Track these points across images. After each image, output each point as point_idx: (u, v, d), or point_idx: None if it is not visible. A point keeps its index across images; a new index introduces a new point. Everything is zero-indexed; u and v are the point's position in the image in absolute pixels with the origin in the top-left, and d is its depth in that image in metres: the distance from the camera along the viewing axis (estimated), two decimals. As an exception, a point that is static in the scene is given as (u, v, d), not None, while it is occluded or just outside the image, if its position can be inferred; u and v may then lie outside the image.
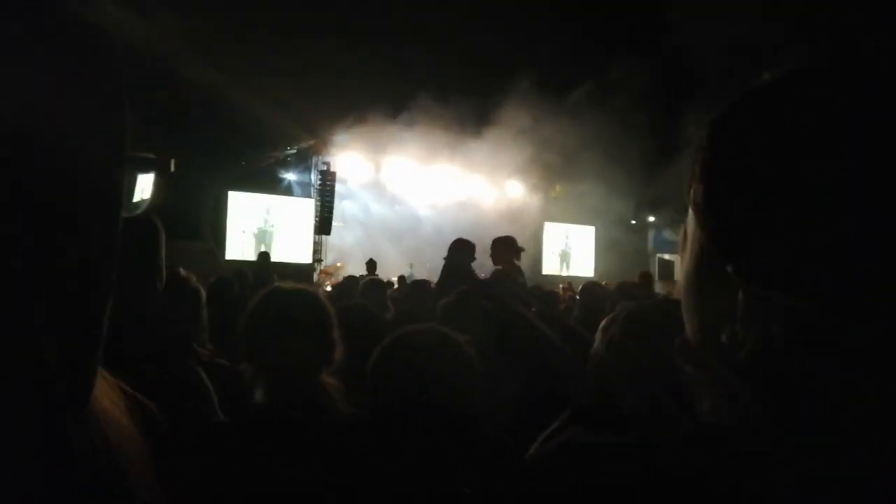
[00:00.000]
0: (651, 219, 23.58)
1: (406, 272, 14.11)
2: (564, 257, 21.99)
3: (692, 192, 0.60)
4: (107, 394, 0.63)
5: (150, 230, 1.38)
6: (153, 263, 1.36)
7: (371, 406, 1.52)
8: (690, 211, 0.62)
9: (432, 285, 5.49)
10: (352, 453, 1.41)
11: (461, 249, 5.12)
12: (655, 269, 18.17)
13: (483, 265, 5.59)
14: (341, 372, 1.73)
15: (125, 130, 0.48)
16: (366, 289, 5.27)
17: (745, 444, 0.56)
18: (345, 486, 1.36)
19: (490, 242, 5.43)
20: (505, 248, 5.16)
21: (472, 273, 5.12)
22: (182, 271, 2.67)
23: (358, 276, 10.30)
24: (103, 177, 0.46)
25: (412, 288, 5.73)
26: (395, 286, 10.05)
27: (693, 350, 0.64)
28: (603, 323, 1.93)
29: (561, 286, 12.62)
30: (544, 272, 20.04)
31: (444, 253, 5.22)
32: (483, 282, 5.14)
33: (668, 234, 23.94)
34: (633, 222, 23.27)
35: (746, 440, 0.57)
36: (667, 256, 24.15)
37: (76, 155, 0.40)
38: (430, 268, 17.36)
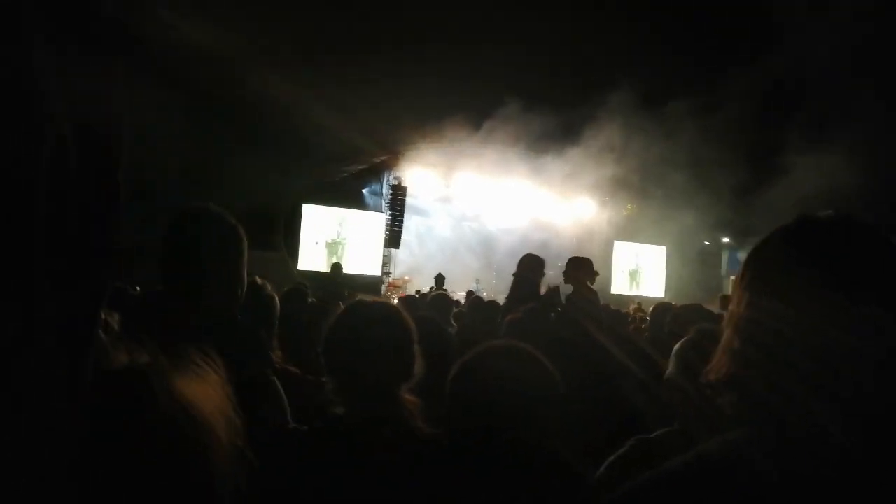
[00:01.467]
0: (725, 240, 22.85)
1: (472, 287, 14.10)
2: (634, 276, 21.54)
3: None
4: (208, 393, 0.65)
5: (235, 238, 1.42)
6: (237, 271, 1.41)
7: (450, 423, 1.49)
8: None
9: (498, 301, 5.45)
10: (429, 471, 1.40)
11: (531, 265, 5.07)
12: (729, 291, 17.53)
13: (551, 282, 5.52)
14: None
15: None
16: (433, 302, 5.29)
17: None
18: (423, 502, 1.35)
19: (558, 259, 5.37)
20: (580, 269, 5.07)
21: (539, 289, 5.06)
22: (258, 279, 2.75)
23: (426, 290, 10.35)
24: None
25: (469, 309, 5.73)
26: (461, 303, 10.05)
27: None
28: (677, 346, 1.87)
29: (632, 307, 12.36)
30: (613, 291, 19.67)
31: (512, 269, 5.18)
32: (552, 298, 5.08)
33: (742, 254, 23.12)
34: (707, 243, 22.60)
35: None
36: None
37: None
38: (496, 284, 17.34)
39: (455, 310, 6.63)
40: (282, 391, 1.73)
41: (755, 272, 0.90)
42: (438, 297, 5.82)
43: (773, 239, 0.93)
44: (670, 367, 1.84)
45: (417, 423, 1.59)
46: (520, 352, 1.54)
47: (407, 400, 1.63)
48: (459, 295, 12.68)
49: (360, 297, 1.77)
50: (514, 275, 5.12)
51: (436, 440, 1.51)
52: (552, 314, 4.57)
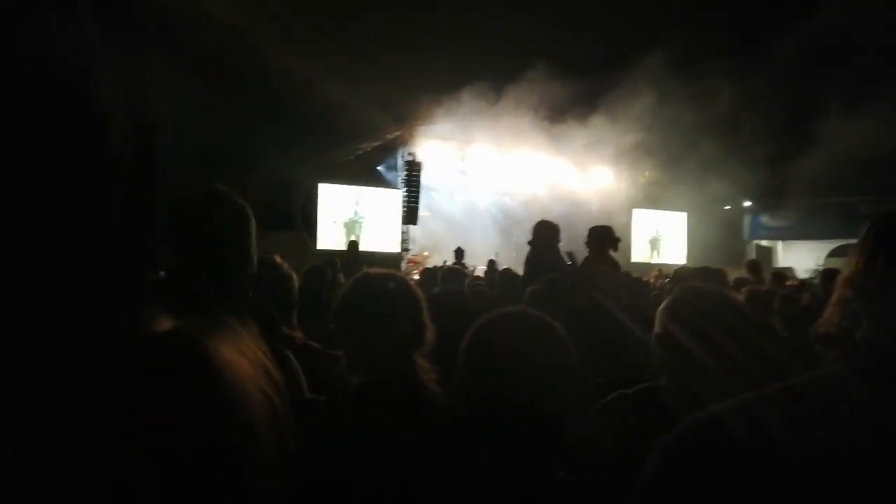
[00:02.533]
0: (747, 204, 22.56)
1: (491, 259, 14.08)
2: (654, 244, 21.38)
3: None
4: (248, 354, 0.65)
5: (244, 218, 1.43)
6: (244, 248, 1.42)
7: (464, 391, 1.50)
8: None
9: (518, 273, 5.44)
10: (445, 440, 1.41)
11: (545, 232, 5.03)
12: (753, 256, 17.40)
13: (569, 249, 5.47)
14: (430, 357, 1.75)
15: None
16: (446, 277, 5.30)
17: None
18: (438, 469, 1.37)
19: (577, 229, 5.32)
20: (601, 237, 5.01)
21: (559, 258, 5.02)
22: (275, 258, 2.77)
23: (443, 264, 10.37)
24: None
25: (501, 284, 5.73)
26: (482, 274, 10.05)
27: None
28: (662, 305, 1.88)
29: (652, 274, 12.30)
30: (633, 259, 19.57)
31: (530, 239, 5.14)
32: (570, 267, 5.04)
33: (765, 219, 22.84)
34: (728, 208, 22.34)
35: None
36: (764, 243, 23.06)
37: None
38: (515, 256, 17.31)
39: (475, 283, 6.64)
40: (296, 365, 1.76)
41: (887, 244, 0.90)
42: (450, 270, 5.86)
43: None
44: (657, 325, 1.85)
45: (432, 387, 1.61)
46: (532, 318, 1.54)
47: (422, 365, 1.65)
48: (481, 269, 12.68)
49: (368, 269, 1.79)
50: (528, 243, 5.09)
51: (449, 404, 1.53)
52: (569, 283, 4.54)
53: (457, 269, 6.37)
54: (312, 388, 2.00)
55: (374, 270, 1.81)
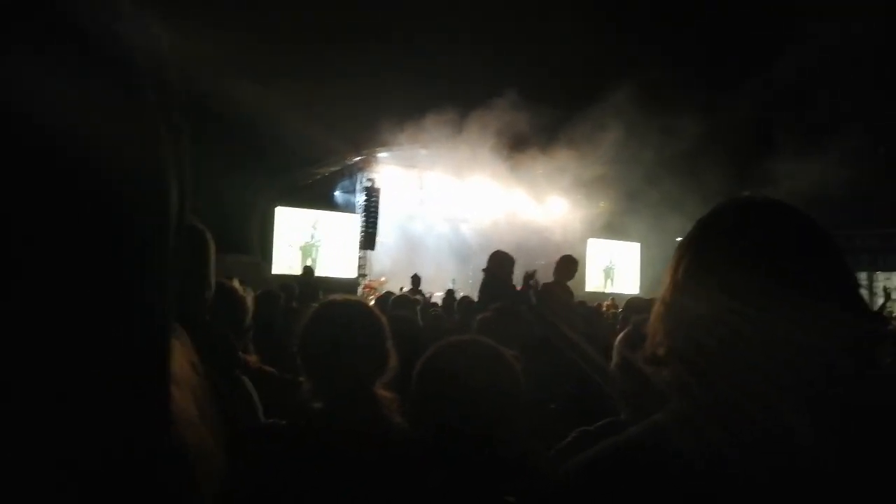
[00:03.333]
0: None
1: (449, 286, 14.12)
2: (608, 273, 21.73)
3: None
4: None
5: (199, 241, 1.42)
6: (203, 274, 1.41)
7: (415, 418, 1.51)
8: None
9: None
10: (401, 467, 1.41)
11: (500, 261, 5.12)
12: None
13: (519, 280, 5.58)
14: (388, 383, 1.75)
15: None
16: (396, 304, 5.19)
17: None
18: (392, 494, 1.37)
19: (533, 257, 5.43)
20: (565, 267, 5.19)
21: (511, 286, 5.11)
22: (230, 281, 2.74)
23: (403, 290, 10.36)
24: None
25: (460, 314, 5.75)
26: (440, 301, 10.06)
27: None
28: (617, 339, 1.92)
29: (605, 303, 12.48)
30: (588, 289, 19.83)
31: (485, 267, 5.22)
32: (524, 295, 5.13)
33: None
34: (679, 239, 22.85)
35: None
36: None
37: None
38: (472, 283, 17.37)
39: (431, 311, 6.65)
40: (250, 389, 1.73)
41: (695, 258, 0.88)
42: (400, 298, 5.89)
43: (714, 223, 0.91)
44: (613, 360, 1.89)
45: (393, 418, 1.61)
46: (482, 347, 1.56)
47: (382, 395, 1.65)
48: (438, 295, 12.67)
49: (332, 296, 1.78)
50: (483, 270, 5.17)
51: (410, 436, 1.53)
52: (525, 309, 4.61)
53: (406, 296, 6.39)
54: (267, 413, 1.97)
55: (337, 297, 1.81)
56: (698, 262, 0.87)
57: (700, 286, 0.84)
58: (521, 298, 5.01)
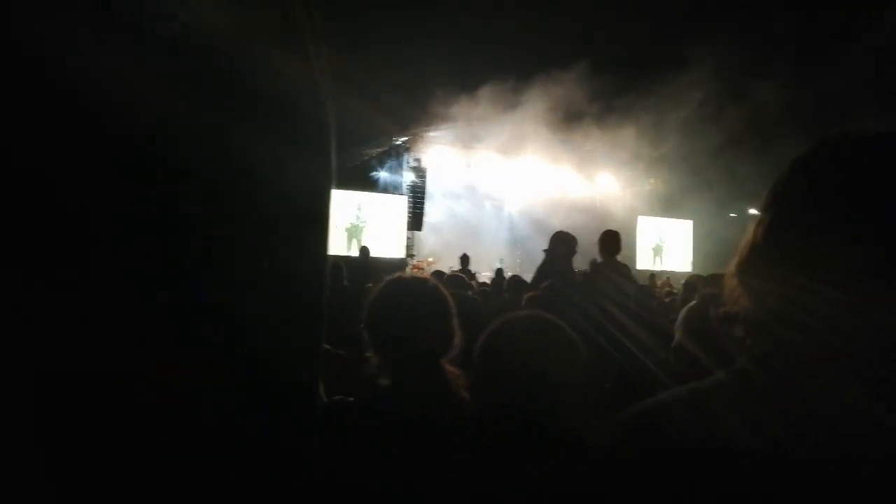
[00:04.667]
0: (752, 211, 22.51)
1: (497, 266, 14.12)
2: (658, 251, 21.35)
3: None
4: None
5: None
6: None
7: (478, 396, 1.52)
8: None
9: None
10: (468, 443, 1.43)
11: (562, 242, 5.06)
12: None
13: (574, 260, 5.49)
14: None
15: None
16: (449, 283, 5.23)
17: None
18: (458, 475, 1.38)
19: (582, 235, 5.35)
20: (606, 244, 5.06)
21: (568, 267, 5.04)
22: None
23: (449, 270, 10.41)
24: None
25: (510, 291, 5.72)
26: (488, 281, 10.06)
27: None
28: (682, 314, 1.88)
29: (660, 282, 12.26)
30: (639, 267, 19.54)
31: (536, 247, 5.18)
32: (576, 276, 5.07)
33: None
34: (733, 215, 22.31)
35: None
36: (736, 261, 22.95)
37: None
38: (520, 263, 17.30)
39: (480, 289, 6.66)
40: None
41: (778, 209, 0.77)
42: (453, 276, 5.90)
43: (803, 167, 0.77)
44: (676, 335, 1.85)
45: (460, 394, 1.63)
46: (542, 321, 1.56)
47: (450, 371, 1.67)
48: (486, 275, 12.66)
49: (398, 274, 1.81)
50: (544, 250, 5.12)
51: (475, 412, 1.54)
52: (577, 289, 4.56)
53: (460, 276, 6.40)
54: (327, 391, 2.00)
55: (404, 275, 1.84)
56: (780, 215, 0.76)
57: (778, 246, 0.74)
58: (576, 280, 4.96)
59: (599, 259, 4.95)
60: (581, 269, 5.20)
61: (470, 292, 5.33)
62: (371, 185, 18.30)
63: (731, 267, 0.82)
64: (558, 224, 11.50)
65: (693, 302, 1.92)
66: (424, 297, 1.72)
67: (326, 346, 2.49)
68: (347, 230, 17.12)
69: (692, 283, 4.94)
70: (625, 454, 0.77)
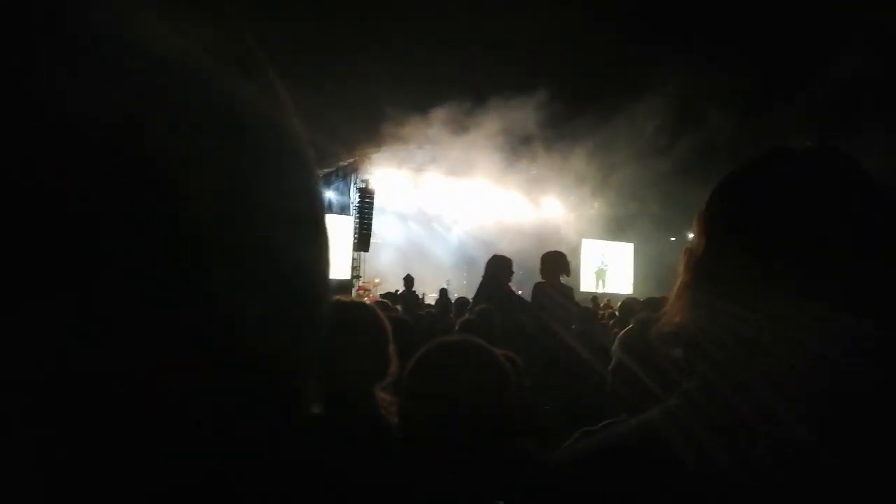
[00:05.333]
0: (691, 235, 23.16)
1: (444, 286, 14.14)
2: (601, 275, 21.76)
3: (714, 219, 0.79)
4: None
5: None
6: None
7: (405, 419, 1.51)
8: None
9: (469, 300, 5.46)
10: (395, 467, 1.41)
11: (498, 266, 5.09)
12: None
13: (520, 282, 5.55)
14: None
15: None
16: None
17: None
18: (377, 495, 1.36)
19: (525, 257, 5.40)
20: (551, 264, 5.08)
21: (507, 289, 5.08)
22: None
23: (395, 291, 10.34)
24: None
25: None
26: (433, 303, 10.05)
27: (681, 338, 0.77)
28: (619, 337, 1.92)
29: (602, 303, 12.46)
30: (582, 289, 19.86)
31: (482, 269, 5.19)
32: (517, 298, 5.12)
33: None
34: (673, 239, 22.95)
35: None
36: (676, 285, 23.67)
37: None
38: (466, 284, 17.39)
39: (425, 311, 6.65)
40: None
41: (712, 226, 0.78)
42: (381, 303, 5.87)
43: (734, 184, 0.77)
44: (614, 358, 1.88)
45: (392, 420, 1.61)
46: (472, 345, 1.56)
47: (381, 398, 1.65)
48: (432, 296, 12.66)
49: (337, 297, 1.78)
50: (482, 276, 5.13)
51: (402, 435, 1.53)
52: (516, 311, 4.60)
53: (383, 303, 6.41)
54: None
55: (341, 300, 1.80)
56: (700, 240, 0.79)
57: (700, 269, 0.76)
58: (517, 302, 5.00)
59: (542, 280, 4.99)
60: (523, 291, 5.24)
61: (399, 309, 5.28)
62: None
63: (680, 281, 0.83)
64: (505, 246, 11.66)
65: (630, 325, 1.96)
66: (360, 324, 1.70)
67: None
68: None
69: (629, 305, 5.05)
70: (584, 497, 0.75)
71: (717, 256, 0.75)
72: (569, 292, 5.17)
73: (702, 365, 0.73)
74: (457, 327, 3.53)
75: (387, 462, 1.43)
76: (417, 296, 10.32)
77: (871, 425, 0.63)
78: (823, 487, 0.62)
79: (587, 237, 21.35)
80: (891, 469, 0.62)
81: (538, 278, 5.08)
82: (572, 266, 5.26)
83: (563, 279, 5.12)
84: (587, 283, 20.95)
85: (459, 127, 16.54)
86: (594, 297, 13.60)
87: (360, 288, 16.55)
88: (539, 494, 0.83)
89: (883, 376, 0.63)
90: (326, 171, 18.30)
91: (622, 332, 2.03)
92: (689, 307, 0.77)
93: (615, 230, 21.23)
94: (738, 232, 0.73)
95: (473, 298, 5.13)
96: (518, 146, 17.41)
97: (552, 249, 5.26)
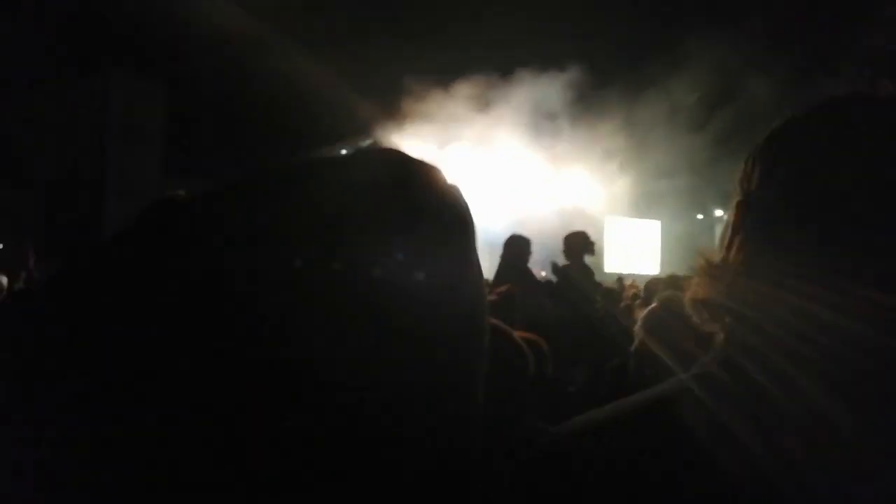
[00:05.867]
0: (718, 213, 22.86)
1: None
2: (626, 253, 21.53)
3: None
4: None
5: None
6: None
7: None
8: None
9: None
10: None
11: (516, 246, 5.05)
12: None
13: (543, 263, 5.48)
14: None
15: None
16: None
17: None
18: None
19: (551, 235, 5.35)
20: (575, 246, 5.03)
21: (527, 270, 5.04)
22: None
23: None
24: None
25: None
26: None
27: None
28: (640, 318, 1.88)
29: (627, 283, 12.35)
30: (606, 269, 19.68)
31: (501, 248, 5.15)
32: (537, 280, 5.07)
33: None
34: (700, 217, 22.62)
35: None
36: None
37: None
38: (489, 261, 17.35)
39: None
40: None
41: (753, 186, 0.69)
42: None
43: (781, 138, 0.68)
44: (636, 339, 1.85)
45: None
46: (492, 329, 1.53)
47: None
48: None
49: None
50: (500, 257, 5.09)
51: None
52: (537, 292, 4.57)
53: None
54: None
55: None
56: (745, 216, 0.70)
57: (751, 232, 0.68)
58: (536, 283, 4.96)
59: (565, 262, 4.94)
60: (546, 272, 5.20)
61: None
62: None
63: (704, 265, 0.77)
64: (528, 223, 11.57)
65: (652, 305, 1.91)
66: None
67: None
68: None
69: (652, 286, 4.98)
70: (595, 463, 0.71)
71: (785, 207, 0.64)
72: (591, 274, 5.12)
73: (746, 336, 0.65)
74: None
75: None
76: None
77: None
78: (851, 468, 0.58)
79: (613, 214, 21.12)
80: None
81: (561, 258, 5.03)
82: (597, 246, 5.21)
83: (588, 259, 5.08)
84: (613, 262, 20.77)
85: (482, 102, 16.39)
86: (619, 278, 13.49)
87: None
88: (547, 462, 0.79)
89: None
90: (353, 146, 18.30)
91: (644, 312, 1.98)
92: (743, 270, 0.68)
93: (642, 208, 20.97)
94: (810, 177, 0.62)
95: (493, 280, 5.08)
96: (542, 122, 17.21)
97: (574, 230, 5.21)
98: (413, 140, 17.92)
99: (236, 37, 12.47)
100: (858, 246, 0.58)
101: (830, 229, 0.59)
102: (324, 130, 16.00)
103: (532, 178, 19.30)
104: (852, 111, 0.64)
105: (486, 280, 5.71)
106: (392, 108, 16.45)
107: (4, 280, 5.39)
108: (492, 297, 3.62)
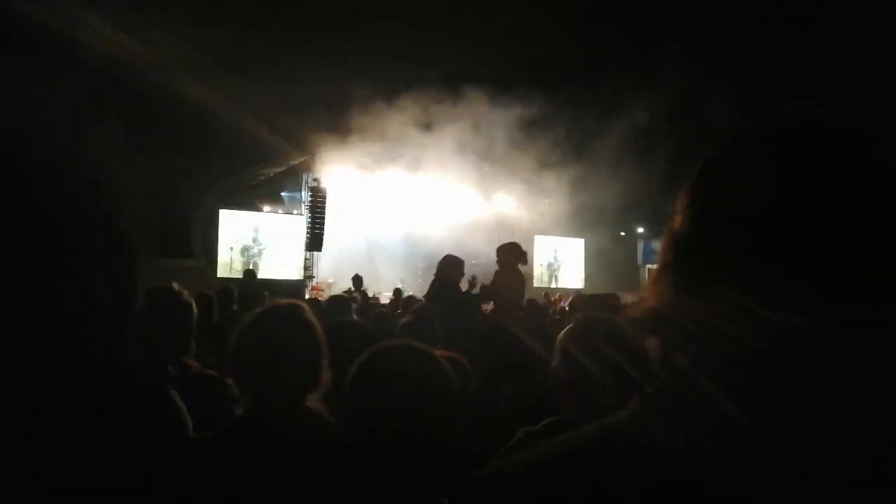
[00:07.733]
0: (640, 230, 23.66)
1: (399, 286, 14.11)
2: (552, 270, 22.04)
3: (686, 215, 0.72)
4: None
5: (120, 246, 1.32)
6: (128, 281, 1.32)
7: (349, 423, 1.51)
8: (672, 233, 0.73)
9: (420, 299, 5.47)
10: (327, 471, 1.41)
11: (449, 266, 5.14)
12: (645, 280, 18.22)
13: (472, 278, 5.59)
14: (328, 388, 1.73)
15: None
16: (328, 306, 4.94)
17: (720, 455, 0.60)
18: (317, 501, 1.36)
19: (480, 255, 5.46)
20: (508, 255, 5.16)
21: (457, 290, 5.13)
22: (174, 286, 2.69)
23: (347, 291, 10.27)
24: None
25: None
26: (387, 301, 10.03)
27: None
28: (559, 337, 1.93)
29: (554, 298, 12.63)
30: (535, 285, 20.05)
31: (435, 268, 5.23)
32: (471, 296, 5.16)
33: (656, 244, 24.02)
34: (623, 234, 23.35)
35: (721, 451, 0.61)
36: (656, 267, 24.23)
37: None
38: (422, 282, 17.36)
39: (377, 310, 6.63)
40: (178, 403, 1.67)
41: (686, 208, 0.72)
42: (332, 299, 5.82)
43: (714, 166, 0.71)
44: (554, 359, 1.89)
45: (315, 422, 1.60)
46: (410, 349, 1.58)
47: (311, 408, 1.63)
48: (387, 295, 12.59)
49: (272, 303, 1.75)
50: (434, 275, 5.17)
51: (333, 438, 1.53)
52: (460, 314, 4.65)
53: (339, 297, 6.36)
54: (207, 418, 1.93)
55: (279, 303, 1.76)
56: (680, 227, 0.72)
57: (696, 241, 0.70)
58: (468, 300, 5.05)
59: (499, 270, 5.07)
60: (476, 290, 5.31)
61: (353, 308, 5.18)
62: (270, 205, 17.91)
63: (655, 274, 0.77)
64: (457, 245, 11.69)
65: (570, 325, 1.96)
66: (292, 334, 1.66)
67: (211, 372, 2.41)
68: (243, 251, 16.61)
69: (577, 301, 5.14)
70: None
71: (700, 233, 0.69)
72: (523, 280, 5.25)
73: (677, 358, 0.67)
74: (397, 331, 3.53)
75: (322, 466, 1.42)
76: (367, 295, 10.26)
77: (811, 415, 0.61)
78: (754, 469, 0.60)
79: (539, 233, 21.56)
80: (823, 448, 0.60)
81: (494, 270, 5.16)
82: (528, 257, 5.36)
83: (521, 268, 5.23)
84: (539, 279, 21.18)
85: (412, 124, 16.48)
86: (546, 293, 13.77)
87: (313, 288, 16.38)
88: None
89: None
90: (278, 170, 18.03)
91: (562, 333, 2.03)
92: (666, 291, 0.71)
93: (566, 226, 21.47)
94: (725, 204, 0.66)
95: (425, 297, 5.15)
96: (471, 142, 17.42)
97: (508, 241, 5.37)
98: (341, 163, 17.83)
99: (165, 59, 12.19)
100: (751, 271, 0.62)
101: (733, 259, 0.64)
102: (246, 153, 15.74)
103: (466, 199, 19.51)
104: (761, 141, 0.68)
105: (415, 297, 5.74)
106: (319, 131, 16.32)
107: None
108: (406, 318, 3.68)
